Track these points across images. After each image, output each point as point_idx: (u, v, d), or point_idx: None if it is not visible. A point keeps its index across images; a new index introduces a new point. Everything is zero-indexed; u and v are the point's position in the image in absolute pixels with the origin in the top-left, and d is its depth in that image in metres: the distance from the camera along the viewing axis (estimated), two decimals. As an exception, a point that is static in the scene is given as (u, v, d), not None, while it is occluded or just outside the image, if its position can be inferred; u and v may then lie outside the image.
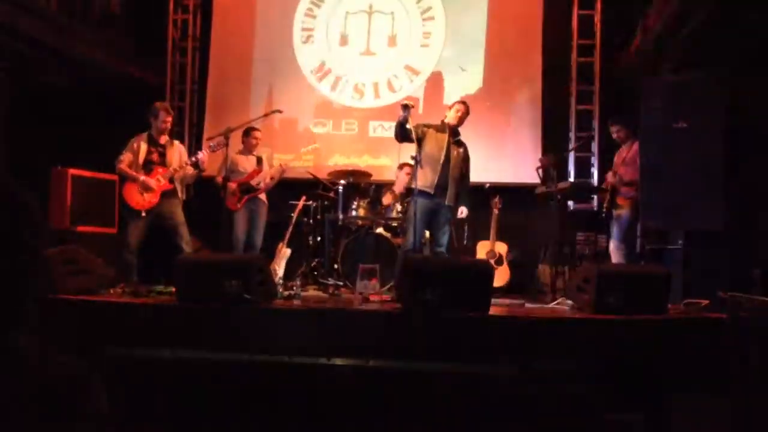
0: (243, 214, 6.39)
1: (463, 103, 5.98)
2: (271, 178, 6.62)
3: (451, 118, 5.83)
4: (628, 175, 6.00)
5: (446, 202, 5.69)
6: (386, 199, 6.81)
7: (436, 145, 5.73)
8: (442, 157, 5.68)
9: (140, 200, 5.85)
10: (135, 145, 5.96)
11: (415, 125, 5.62)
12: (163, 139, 6.06)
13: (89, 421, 1.07)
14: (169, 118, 6.03)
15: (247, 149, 6.61)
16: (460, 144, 5.89)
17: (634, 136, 6.10)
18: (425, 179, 5.66)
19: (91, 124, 7.38)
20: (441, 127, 5.83)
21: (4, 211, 1.08)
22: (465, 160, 5.91)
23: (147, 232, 5.93)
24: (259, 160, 6.62)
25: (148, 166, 5.92)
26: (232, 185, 6.32)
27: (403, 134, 5.58)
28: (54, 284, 4.09)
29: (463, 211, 5.88)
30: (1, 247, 1.07)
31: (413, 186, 5.50)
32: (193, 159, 6.02)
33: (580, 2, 8.19)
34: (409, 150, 5.87)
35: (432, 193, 5.65)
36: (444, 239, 5.77)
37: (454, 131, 5.83)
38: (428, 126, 5.83)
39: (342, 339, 3.97)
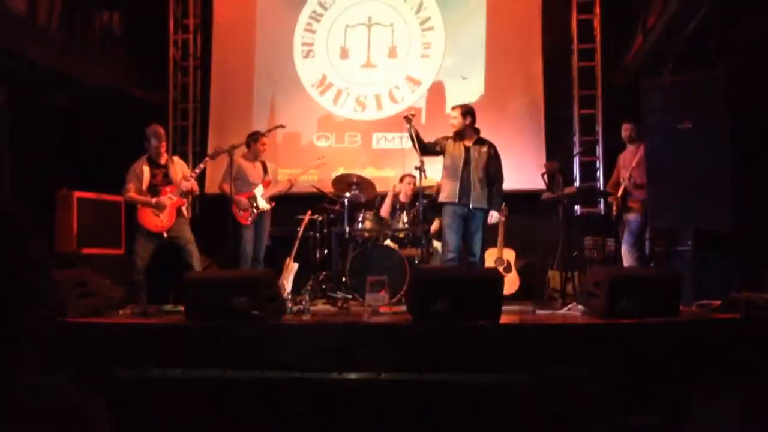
0: (251, 228, 6.39)
1: (456, 107, 6.00)
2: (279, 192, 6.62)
3: (453, 125, 5.87)
4: (641, 177, 5.91)
5: (471, 205, 5.68)
6: (383, 212, 6.79)
7: (455, 153, 5.80)
8: (461, 164, 5.73)
9: (158, 222, 5.88)
10: (138, 171, 5.95)
11: (440, 138, 5.82)
12: (163, 159, 6.07)
13: None
14: (161, 144, 6.01)
15: (253, 155, 6.59)
16: (483, 142, 5.87)
17: (642, 138, 6.03)
18: (447, 191, 5.74)
19: (93, 145, 7.39)
20: (456, 136, 5.88)
21: (5, 239, 1.03)
22: (491, 158, 5.83)
23: (154, 253, 5.94)
24: (265, 168, 6.62)
25: (153, 189, 5.92)
26: (243, 200, 6.30)
27: (422, 147, 5.68)
28: (63, 308, 4.08)
29: (492, 216, 5.81)
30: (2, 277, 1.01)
31: (421, 195, 5.52)
32: (197, 171, 6.14)
33: (579, 7, 8.19)
34: (411, 161, 5.87)
35: (456, 201, 5.69)
36: (476, 248, 5.76)
37: (467, 134, 5.84)
38: (447, 138, 5.89)
39: (353, 352, 3.95)
